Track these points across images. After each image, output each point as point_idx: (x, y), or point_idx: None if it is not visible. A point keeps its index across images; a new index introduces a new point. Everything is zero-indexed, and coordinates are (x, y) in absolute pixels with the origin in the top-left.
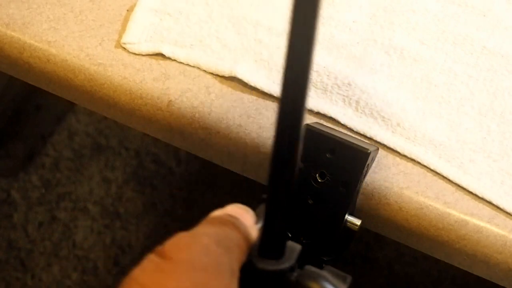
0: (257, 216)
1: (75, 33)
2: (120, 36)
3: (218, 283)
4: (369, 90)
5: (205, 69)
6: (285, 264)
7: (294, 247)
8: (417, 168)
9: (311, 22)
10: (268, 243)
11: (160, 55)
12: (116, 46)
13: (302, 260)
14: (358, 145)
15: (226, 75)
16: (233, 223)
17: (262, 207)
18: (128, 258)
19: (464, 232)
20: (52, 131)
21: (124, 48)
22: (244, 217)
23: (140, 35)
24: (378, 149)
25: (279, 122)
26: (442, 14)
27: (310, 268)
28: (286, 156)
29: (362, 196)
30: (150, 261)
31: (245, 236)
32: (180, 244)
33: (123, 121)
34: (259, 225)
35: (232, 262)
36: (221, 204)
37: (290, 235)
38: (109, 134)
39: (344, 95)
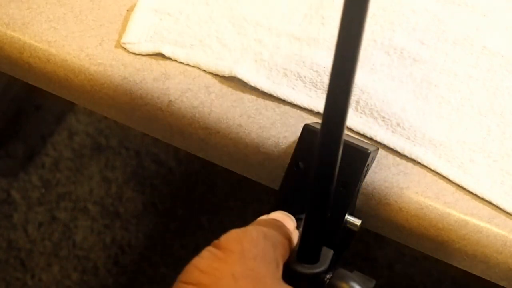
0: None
1: (75, 33)
2: (120, 36)
3: (265, 270)
4: (369, 90)
5: (205, 69)
6: (321, 268)
7: (327, 252)
8: (417, 168)
9: (355, 43)
10: (306, 250)
11: (160, 55)
12: (116, 46)
13: (334, 263)
14: (358, 145)
15: (226, 75)
16: (277, 225)
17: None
18: (128, 258)
19: (464, 232)
20: (52, 131)
21: (124, 48)
22: (287, 221)
23: (140, 35)
24: (378, 149)
25: (321, 143)
26: (442, 14)
27: (341, 271)
28: (327, 173)
29: (362, 196)
30: (208, 251)
31: (288, 237)
32: (233, 237)
33: (123, 121)
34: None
35: (277, 256)
36: (221, 204)
37: None
38: (109, 134)
39: None
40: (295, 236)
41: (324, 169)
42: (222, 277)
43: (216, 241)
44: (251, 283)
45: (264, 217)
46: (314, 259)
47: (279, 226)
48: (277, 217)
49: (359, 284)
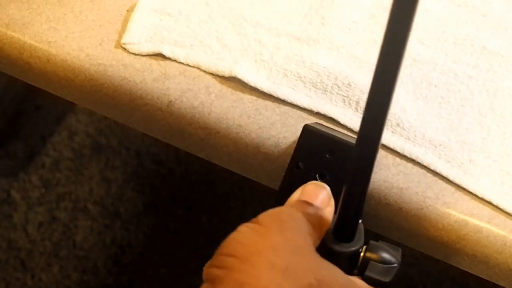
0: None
1: (75, 33)
2: (120, 36)
3: (303, 241)
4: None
5: (205, 69)
6: (357, 246)
7: (360, 228)
8: (417, 168)
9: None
10: (343, 231)
11: (160, 55)
12: (116, 46)
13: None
14: None
15: (226, 75)
16: (304, 210)
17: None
18: (128, 258)
19: (464, 232)
20: (52, 131)
21: (124, 49)
22: (318, 198)
23: (140, 36)
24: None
25: (364, 120)
26: (442, 14)
27: (372, 243)
28: (367, 157)
29: None
30: (246, 227)
31: (318, 218)
32: (269, 214)
33: (123, 121)
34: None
35: (311, 233)
36: (221, 204)
37: None
38: (109, 134)
39: (344, 96)
40: (330, 209)
41: (365, 152)
42: (263, 249)
43: (253, 219)
44: (290, 252)
45: (296, 195)
46: (350, 238)
47: (307, 211)
48: (309, 191)
49: (389, 253)
